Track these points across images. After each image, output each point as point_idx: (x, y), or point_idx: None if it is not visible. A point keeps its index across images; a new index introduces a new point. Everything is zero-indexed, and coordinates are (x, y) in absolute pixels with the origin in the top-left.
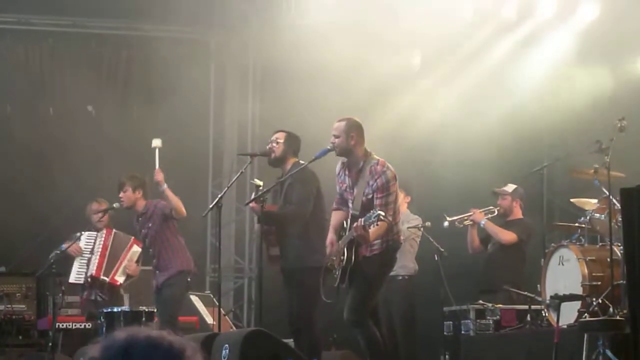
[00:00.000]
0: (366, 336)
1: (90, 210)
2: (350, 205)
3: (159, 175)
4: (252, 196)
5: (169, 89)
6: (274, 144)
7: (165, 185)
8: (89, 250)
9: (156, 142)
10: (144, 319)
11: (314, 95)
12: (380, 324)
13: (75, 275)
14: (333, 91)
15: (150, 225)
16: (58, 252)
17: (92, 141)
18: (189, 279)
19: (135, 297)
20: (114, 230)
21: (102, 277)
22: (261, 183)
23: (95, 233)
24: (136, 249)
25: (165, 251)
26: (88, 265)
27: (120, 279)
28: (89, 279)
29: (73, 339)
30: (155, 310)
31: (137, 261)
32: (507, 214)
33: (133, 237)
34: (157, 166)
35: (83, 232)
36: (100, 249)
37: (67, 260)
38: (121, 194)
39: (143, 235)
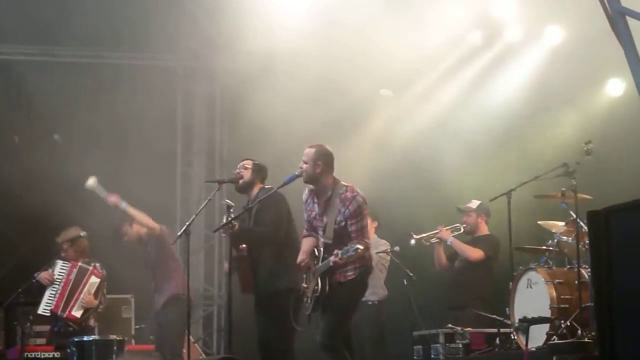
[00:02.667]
0: None
1: (62, 238)
2: (320, 233)
3: (113, 198)
4: (224, 217)
5: (136, 116)
6: (242, 170)
7: (124, 204)
8: (60, 280)
9: (91, 182)
10: (115, 347)
11: (282, 120)
12: (352, 350)
13: (44, 307)
14: (301, 117)
15: (149, 249)
16: (33, 281)
17: (59, 169)
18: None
19: (105, 327)
20: (79, 263)
21: (59, 313)
22: (233, 204)
23: (68, 263)
24: (94, 280)
25: (162, 274)
26: (55, 297)
27: (77, 313)
28: (50, 313)
29: None
30: (125, 339)
31: (97, 292)
32: (473, 230)
33: (92, 268)
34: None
35: (58, 261)
36: (62, 284)
37: (36, 290)
38: (125, 238)
39: (145, 260)
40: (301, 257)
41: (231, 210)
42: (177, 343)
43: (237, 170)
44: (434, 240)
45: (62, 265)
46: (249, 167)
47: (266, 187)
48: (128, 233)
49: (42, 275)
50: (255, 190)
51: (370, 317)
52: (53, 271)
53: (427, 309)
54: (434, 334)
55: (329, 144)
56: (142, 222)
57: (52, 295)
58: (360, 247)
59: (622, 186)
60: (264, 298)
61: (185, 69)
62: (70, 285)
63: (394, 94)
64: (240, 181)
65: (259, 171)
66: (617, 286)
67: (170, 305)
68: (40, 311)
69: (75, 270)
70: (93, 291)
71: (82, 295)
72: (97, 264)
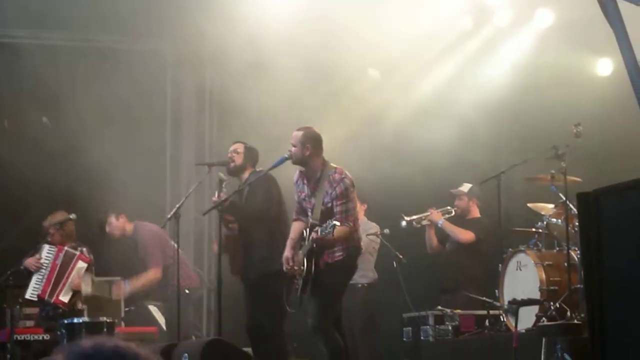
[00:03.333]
0: (329, 345)
1: (48, 222)
2: (309, 214)
3: (118, 290)
4: (216, 191)
5: (125, 100)
6: (234, 154)
7: (128, 287)
8: (47, 265)
9: None
10: (105, 329)
11: (272, 106)
12: (343, 333)
13: (31, 292)
14: (291, 100)
15: (137, 249)
16: (22, 267)
17: (48, 153)
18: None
19: (95, 309)
20: (65, 247)
21: (46, 298)
22: (226, 178)
23: (55, 247)
24: (81, 264)
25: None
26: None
27: (65, 298)
28: (37, 298)
29: (31, 351)
30: (116, 321)
31: (88, 273)
32: (464, 213)
33: (79, 253)
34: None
35: (44, 245)
36: (49, 269)
37: (24, 274)
38: (107, 229)
39: (139, 262)
40: (287, 252)
41: (224, 184)
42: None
43: (229, 155)
44: (424, 222)
45: (49, 250)
46: (241, 151)
47: (257, 170)
48: (113, 224)
49: (29, 261)
50: (247, 174)
51: (361, 300)
52: (40, 256)
53: (416, 292)
54: (424, 316)
55: (319, 127)
56: (149, 288)
57: (39, 280)
58: (337, 223)
59: (612, 168)
60: (254, 281)
61: (175, 55)
62: (57, 270)
63: (383, 75)
64: (232, 165)
65: (251, 155)
66: (607, 268)
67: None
68: (27, 296)
69: (61, 255)
70: (81, 274)
71: (69, 280)
72: (84, 249)
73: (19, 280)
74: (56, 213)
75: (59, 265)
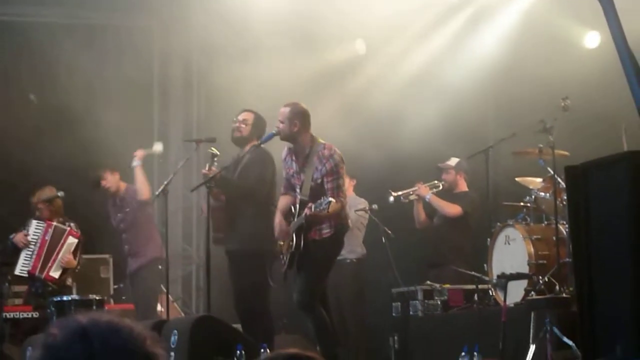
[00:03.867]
0: (315, 321)
1: (37, 198)
2: (298, 190)
3: (140, 153)
4: (207, 164)
5: (112, 76)
6: (242, 125)
7: (139, 163)
8: (36, 241)
9: (157, 147)
10: (94, 307)
11: (260, 82)
12: (329, 309)
13: (20, 268)
14: (280, 74)
15: (127, 210)
16: (9, 243)
17: (34, 130)
18: (160, 267)
19: (84, 287)
20: (54, 223)
21: (37, 274)
22: (218, 153)
23: (43, 223)
24: (71, 240)
25: (139, 237)
26: (31, 258)
27: (55, 274)
28: (27, 274)
29: (20, 329)
30: (105, 299)
31: (75, 251)
32: (452, 187)
33: (69, 228)
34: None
35: (33, 220)
36: (39, 245)
37: (13, 251)
38: (104, 183)
39: (118, 220)
40: (278, 217)
41: (215, 159)
42: (153, 304)
43: (237, 124)
44: (412, 197)
45: (37, 225)
46: (250, 122)
47: (257, 144)
48: (108, 179)
49: (18, 237)
50: (248, 146)
51: (349, 275)
52: (27, 232)
53: (405, 267)
54: (412, 291)
55: (308, 103)
56: (139, 188)
57: (29, 256)
58: (333, 200)
59: (600, 142)
60: (238, 258)
61: (163, 31)
62: (46, 246)
63: (370, 50)
64: (237, 135)
65: (258, 127)
66: (595, 241)
67: (146, 271)
68: (17, 272)
69: (51, 231)
70: (71, 250)
71: (60, 256)
72: (72, 224)
73: (7, 257)
74: (44, 188)
75: (48, 241)
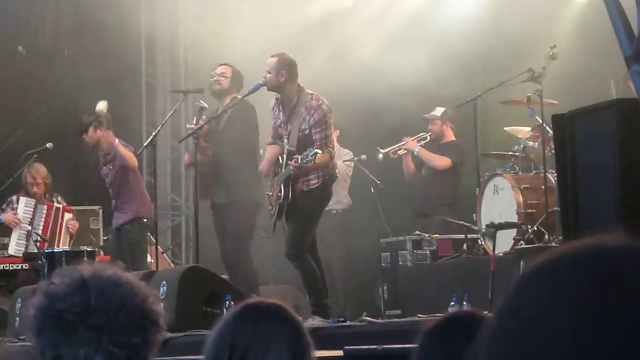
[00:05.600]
0: (304, 270)
1: (28, 177)
2: (285, 140)
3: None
4: (194, 118)
5: (99, 25)
6: (221, 78)
7: (116, 141)
8: (29, 221)
9: (101, 105)
10: (85, 258)
11: (249, 29)
12: (318, 259)
13: (15, 247)
14: (267, 25)
15: (111, 167)
16: None
17: (22, 82)
18: (145, 220)
19: (74, 238)
20: (54, 204)
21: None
22: (207, 106)
23: (32, 200)
24: (68, 216)
25: (123, 194)
26: (28, 237)
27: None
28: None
29: (11, 280)
30: (96, 250)
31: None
32: (439, 137)
33: (62, 205)
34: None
35: (20, 197)
36: (41, 228)
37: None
38: (84, 136)
39: (104, 174)
40: (263, 165)
41: (203, 112)
42: (142, 256)
43: (215, 77)
44: (401, 152)
45: (27, 203)
46: (229, 75)
47: (239, 96)
48: (89, 134)
49: (8, 218)
50: (228, 99)
51: (335, 226)
52: (16, 210)
53: (394, 217)
54: (401, 241)
55: (294, 53)
56: (124, 153)
57: (22, 236)
58: (319, 151)
59: (588, 90)
60: (222, 208)
61: None
62: (49, 228)
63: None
64: (217, 87)
65: (237, 80)
66: (582, 189)
67: (131, 225)
68: (12, 252)
69: (52, 213)
70: (70, 225)
71: (63, 229)
72: (59, 197)
73: None
74: (36, 165)
75: (51, 222)
